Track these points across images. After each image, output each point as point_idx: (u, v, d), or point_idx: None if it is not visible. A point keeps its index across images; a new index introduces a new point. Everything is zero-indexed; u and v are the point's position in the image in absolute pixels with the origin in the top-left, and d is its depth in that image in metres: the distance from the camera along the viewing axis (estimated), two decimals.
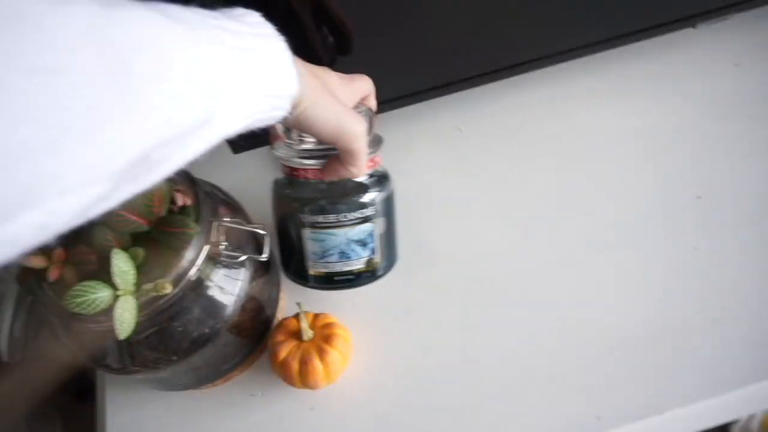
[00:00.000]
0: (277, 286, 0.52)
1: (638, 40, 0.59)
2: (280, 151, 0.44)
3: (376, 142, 0.45)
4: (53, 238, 0.21)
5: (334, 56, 0.49)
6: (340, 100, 0.35)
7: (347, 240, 0.45)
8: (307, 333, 0.47)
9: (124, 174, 0.22)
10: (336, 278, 0.46)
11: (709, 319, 0.48)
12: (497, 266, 0.53)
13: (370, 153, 0.45)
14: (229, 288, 0.44)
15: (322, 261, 0.46)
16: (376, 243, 0.46)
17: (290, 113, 0.31)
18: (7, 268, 0.34)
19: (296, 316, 0.48)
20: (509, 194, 0.57)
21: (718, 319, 0.48)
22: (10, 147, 0.17)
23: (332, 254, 0.45)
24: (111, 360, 0.42)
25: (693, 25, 0.60)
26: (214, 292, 0.43)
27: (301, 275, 0.47)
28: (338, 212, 0.44)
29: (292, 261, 0.48)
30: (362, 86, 0.40)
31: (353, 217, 0.44)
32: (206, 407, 0.50)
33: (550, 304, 0.51)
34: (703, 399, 0.44)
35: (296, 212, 0.45)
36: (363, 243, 0.45)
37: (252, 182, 0.55)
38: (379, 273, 0.47)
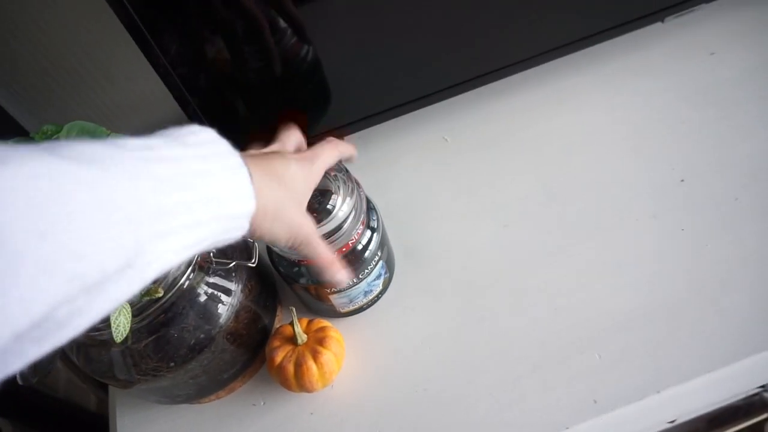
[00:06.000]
0: (273, 297, 0.54)
1: (609, 38, 0.61)
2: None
3: (360, 209, 0.45)
4: None
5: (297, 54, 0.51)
6: (299, 197, 0.34)
7: (367, 283, 0.49)
8: (301, 337, 0.48)
9: (26, 336, 0.19)
10: (364, 307, 0.53)
11: (699, 296, 0.48)
12: (486, 263, 0.54)
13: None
14: (221, 296, 0.46)
15: (351, 304, 0.51)
16: (385, 268, 0.51)
17: (249, 229, 0.29)
18: None
19: (290, 323, 0.50)
20: (496, 194, 0.59)
21: (707, 295, 0.47)
22: None
23: (359, 297, 0.50)
24: (117, 371, 0.44)
25: (661, 20, 0.62)
26: (206, 299, 0.45)
27: (333, 314, 0.53)
28: (357, 274, 0.48)
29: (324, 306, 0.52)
30: (325, 161, 0.38)
31: (369, 269, 0.48)
32: (210, 419, 0.51)
33: (541, 294, 0.51)
34: (699, 375, 0.43)
35: (321, 288, 0.48)
36: (378, 276, 0.50)
37: None
38: (391, 281, 0.54)
